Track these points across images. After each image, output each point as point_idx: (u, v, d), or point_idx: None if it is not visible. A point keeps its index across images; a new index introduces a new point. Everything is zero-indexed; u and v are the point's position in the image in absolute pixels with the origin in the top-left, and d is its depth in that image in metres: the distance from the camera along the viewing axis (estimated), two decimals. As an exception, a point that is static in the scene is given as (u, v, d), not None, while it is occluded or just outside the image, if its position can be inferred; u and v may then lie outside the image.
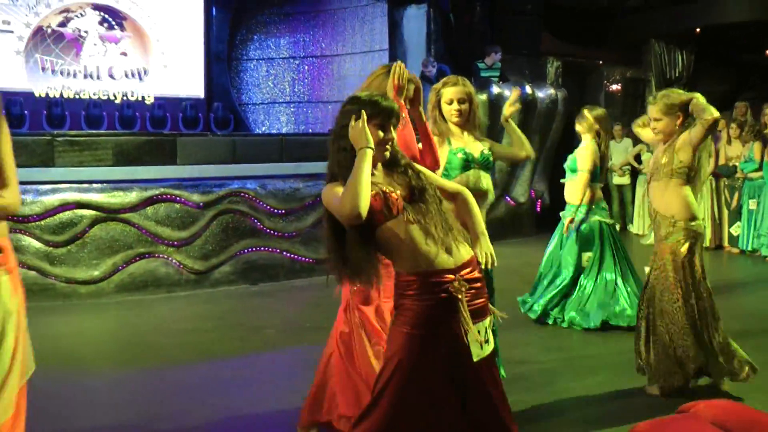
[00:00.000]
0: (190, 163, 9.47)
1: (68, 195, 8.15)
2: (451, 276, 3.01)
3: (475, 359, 2.99)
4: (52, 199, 8.08)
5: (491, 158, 4.89)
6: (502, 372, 4.93)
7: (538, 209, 13.30)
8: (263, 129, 16.69)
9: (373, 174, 3.00)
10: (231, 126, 16.08)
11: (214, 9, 17.17)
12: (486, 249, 3.21)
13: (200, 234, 8.69)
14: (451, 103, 4.78)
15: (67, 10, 15.58)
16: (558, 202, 13.38)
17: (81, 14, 15.72)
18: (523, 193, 12.83)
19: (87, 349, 6.47)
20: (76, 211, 8.16)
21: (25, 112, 14.37)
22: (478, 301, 3.08)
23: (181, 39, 16.62)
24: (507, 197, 12.61)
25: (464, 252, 3.10)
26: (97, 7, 15.84)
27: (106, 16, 15.95)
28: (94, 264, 8.21)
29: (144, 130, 14.63)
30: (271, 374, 5.75)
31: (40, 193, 8.05)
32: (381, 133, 3.06)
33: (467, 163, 4.74)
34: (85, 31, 15.72)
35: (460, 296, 2.99)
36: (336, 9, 16.65)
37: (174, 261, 8.53)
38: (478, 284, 3.10)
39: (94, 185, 8.34)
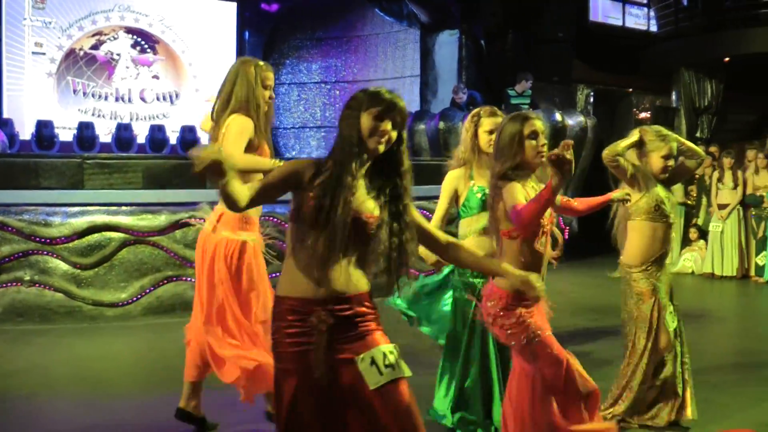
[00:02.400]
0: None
1: (97, 217, 8.15)
2: (315, 308, 2.89)
3: (372, 387, 2.84)
4: (81, 222, 8.07)
5: None
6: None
7: (566, 237, 13.19)
8: (293, 153, 16.75)
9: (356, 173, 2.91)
10: (261, 150, 16.11)
11: (247, 33, 17.30)
12: (522, 276, 3.22)
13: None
14: (491, 133, 4.62)
15: (99, 33, 15.77)
16: (587, 229, 13.34)
17: (114, 37, 15.90)
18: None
19: (113, 372, 6.43)
20: (104, 233, 8.15)
21: (56, 134, 14.47)
22: (359, 331, 2.92)
23: (214, 63, 16.72)
24: (535, 225, 12.52)
25: (347, 286, 2.95)
26: (129, 31, 16.02)
27: (139, 39, 16.14)
28: (121, 287, 8.20)
29: (174, 154, 14.68)
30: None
31: (68, 216, 8.06)
32: (376, 123, 2.92)
33: (485, 204, 4.60)
34: (118, 54, 15.90)
35: (323, 327, 2.87)
36: (368, 35, 16.71)
37: (201, 285, 8.50)
38: (358, 319, 2.94)
39: (123, 208, 8.34)
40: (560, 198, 4.26)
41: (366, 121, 2.92)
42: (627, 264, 4.90)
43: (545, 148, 3.78)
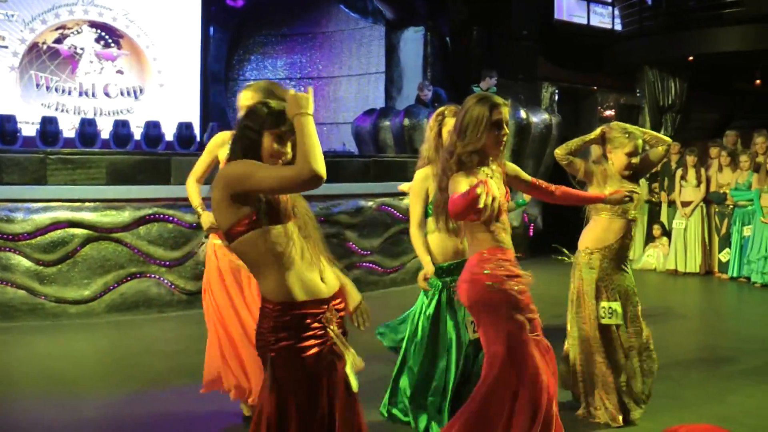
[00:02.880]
0: (184, 183, 9.37)
1: (60, 213, 8.06)
2: (324, 307, 2.80)
3: (355, 390, 2.83)
4: (44, 218, 7.98)
5: None
6: None
7: (531, 233, 13.27)
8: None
9: None
10: (226, 146, 16.01)
11: (212, 29, 17.21)
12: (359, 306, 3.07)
13: (193, 254, 8.61)
14: None
15: (63, 27, 15.58)
16: (551, 226, 13.42)
17: (77, 31, 15.72)
18: (516, 217, 12.79)
19: (76, 369, 6.37)
20: (67, 229, 8.06)
21: (18, 128, 14.27)
22: (343, 328, 2.91)
23: (178, 58, 16.62)
24: (500, 221, 12.56)
25: (335, 280, 2.92)
26: (93, 25, 15.85)
27: (103, 33, 15.96)
28: (84, 284, 8.12)
29: (138, 149, 14.53)
30: (262, 399, 5.65)
31: (31, 212, 7.97)
32: (279, 147, 2.80)
33: None
34: (81, 48, 15.71)
35: (332, 326, 2.79)
36: (333, 31, 16.69)
37: (166, 281, 8.45)
38: (343, 312, 2.93)
39: (87, 204, 8.26)
40: (530, 178, 4.20)
41: (267, 142, 2.79)
42: (579, 250, 5.08)
43: (506, 138, 3.74)
